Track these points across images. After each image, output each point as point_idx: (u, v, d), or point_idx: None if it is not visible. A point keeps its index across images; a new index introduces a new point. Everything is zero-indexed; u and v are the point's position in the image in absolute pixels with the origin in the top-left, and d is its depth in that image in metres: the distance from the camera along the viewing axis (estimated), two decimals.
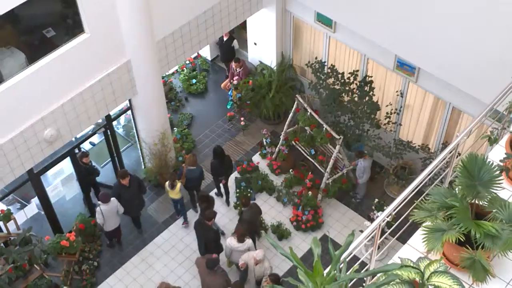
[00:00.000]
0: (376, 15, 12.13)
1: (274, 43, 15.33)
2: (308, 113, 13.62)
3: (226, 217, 14.01)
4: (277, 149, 14.86)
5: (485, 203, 6.07)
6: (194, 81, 16.87)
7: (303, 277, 4.31)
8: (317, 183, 14.15)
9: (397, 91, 13.41)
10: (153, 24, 12.14)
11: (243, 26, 15.99)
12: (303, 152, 14.38)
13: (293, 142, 14.47)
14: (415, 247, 6.54)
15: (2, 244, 12.19)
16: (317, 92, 14.22)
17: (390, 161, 14.05)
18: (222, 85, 16.74)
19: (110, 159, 14.41)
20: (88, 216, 13.81)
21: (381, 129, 13.91)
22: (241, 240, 11.96)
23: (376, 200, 13.67)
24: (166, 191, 13.65)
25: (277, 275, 11.54)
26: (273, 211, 14.26)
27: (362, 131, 13.73)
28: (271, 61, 15.75)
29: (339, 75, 13.74)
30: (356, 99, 13.57)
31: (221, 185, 14.24)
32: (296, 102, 14.00)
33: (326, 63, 14.33)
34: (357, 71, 13.69)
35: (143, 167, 14.91)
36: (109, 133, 13.81)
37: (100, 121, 13.31)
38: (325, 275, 4.22)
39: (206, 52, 17.51)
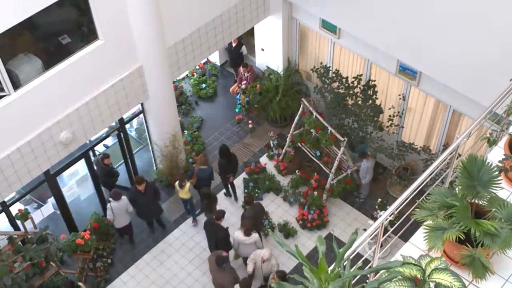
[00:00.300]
0: (379, 21, 12.11)
1: (281, 49, 15.33)
2: (314, 116, 13.61)
3: (234, 216, 13.99)
4: (283, 150, 14.85)
5: (485, 202, 6.05)
6: (203, 85, 16.88)
7: (308, 274, 4.31)
8: (322, 183, 14.13)
9: (399, 95, 13.38)
10: (164, 31, 12.16)
11: (251, 33, 16.00)
12: (308, 154, 14.37)
13: (299, 144, 14.46)
14: (416, 245, 6.52)
15: (20, 242, 12.24)
16: (322, 96, 14.21)
17: (393, 162, 14.02)
18: (231, 89, 16.75)
19: (123, 160, 14.44)
20: (102, 215, 13.85)
21: (384, 131, 13.88)
22: (247, 234, 12.00)
23: (379, 199, 13.64)
24: (176, 191, 13.67)
25: (284, 272, 11.54)
26: (279, 210, 14.26)
27: (366, 133, 13.72)
28: (278, 66, 15.75)
29: (343, 80, 13.73)
30: (359, 102, 13.55)
31: (229, 184, 14.27)
32: (302, 106, 14.00)
33: (330, 68, 14.31)
34: (361, 75, 13.67)
35: (154, 168, 14.93)
36: (122, 135, 13.84)
37: (113, 124, 13.34)
38: (329, 272, 4.22)
39: (215, 58, 17.53)
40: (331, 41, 14.10)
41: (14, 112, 10.53)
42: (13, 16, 9.60)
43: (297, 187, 14.48)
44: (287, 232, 13.73)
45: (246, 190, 14.38)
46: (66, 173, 13.60)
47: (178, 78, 16.57)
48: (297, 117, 14.23)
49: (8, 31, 9.68)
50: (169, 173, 14.40)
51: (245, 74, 15.83)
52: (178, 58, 13.06)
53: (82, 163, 13.57)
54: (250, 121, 15.87)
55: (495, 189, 5.99)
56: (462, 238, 5.75)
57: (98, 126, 12.35)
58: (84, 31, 11.20)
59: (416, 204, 6.36)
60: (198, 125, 16.05)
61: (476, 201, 6.06)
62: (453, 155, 6.91)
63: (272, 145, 15.25)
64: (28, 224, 12.56)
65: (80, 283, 11.93)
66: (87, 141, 12.78)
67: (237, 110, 16.22)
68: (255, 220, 12.64)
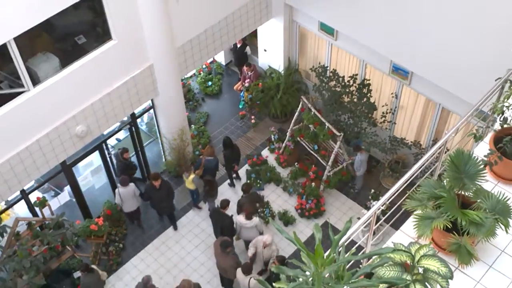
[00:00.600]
0: (374, 25, 12.08)
1: (282, 50, 15.30)
2: (312, 113, 13.59)
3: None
4: (284, 144, 14.84)
5: (471, 194, 6.04)
6: (210, 83, 16.86)
7: (305, 259, 4.31)
8: (319, 175, 14.13)
9: (392, 93, 13.35)
10: (174, 32, 12.14)
11: (254, 34, 15.95)
12: (307, 147, 14.36)
13: (298, 138, 14.44)
14: (406, 233, 6.52)
15: (38, 228, 12.27)
16: (320, 94, 14.19)
17: (385, 155, 14.01)
18: (235, 87, 16.73)
19: (134, 152, 14.45)
20: (114, 203, 13.87)
21: (378, 127, 13.86)
22: (249, 218, 12.06)
23: (372, 190, 13.63)
24: (184, 181, 13.68)
25: (283, 257, 11.55)
26: (280, 200, 14.26)
27: (360, 128, 13.71)
28: (279, 65, 15.72)
29: (340, 79, 13.70)
30: (355, 100, 13.54)
31: (233, 175, 14.27)
32: (301, 103, 13.97)
33: (328, 68, 14.28)
34: (356, 75, 13.64)
35: (163, 159, 14.93)
36: (133, 129, 13.83)
37: (125, 118, 13.34)
38: (325, 257, 4.21)
39: (221, 57, 17.50)
40: (329, 43, 14.06)
41: (33, 106, 10.54)
42: (33, 17, 9.61)
43: (296, 178, 14.48)
44: (287, 220, 13.73)
45: (248, 181, 14.38)
46: (81, 164, 13.61)
47: (186, 76, 16.55)
48: (296, 113, 14.21)
49: (28, 31, 9.68)
50: (177, 164, 14.41)
51: (249, 73, 15.81)
52: (186, 57, 13.04)
53: (96, 155, 13.58)
54: (252, 117, 15.85)
55: (481, 182, 5.98)
56: (449, 227, 5.75)
57: (111, 120, 12.35)
58: (98, 32, 11.18)
59: (407, 195, 6.36)
60: (204, 120, 16.04)
61: (463, 193, 6.05)
62: (441, 149, 6.90)
63: (273, 139, 15.24)
64: (46, 211, 12.59)
65: (93, 266, 11.96)
66: (101, 134, 12.77)
67: (240, 106, 16.20)
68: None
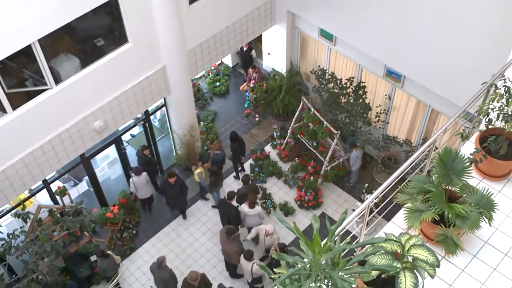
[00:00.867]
0: (369, 32, 12.05)
1: (285, 53, 15.27)
2: (312, 112, 13.58)
3: None
4: (285, 141, 14.83)
5: (457, 189, 6.03)
6: (217, 83, 16.85)
7: (304, 247, 4.30)
8: (318, 169, 14.12)
9: (385, 95, 13.32)
10: (185, 36, 12.13)
11: (259, 39, 15.93)
12: (306, 144, 14.35)
13: (298, 135, 14.43)
14: (397, 224, 6.52)
15: (58, 215, 12.31)
16: (319, 95, 14.17)
17: (379, 152, 13.98)
18: (241, 87, 16.71)
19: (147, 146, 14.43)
20: (129, 193, 13.89)
21: (372, 126, 13.84)
22: (252, 206, 12.11)
23: (366, 184, 13.62)
24: (193, 173, 13.69)
25: (284, 244, 11.56)
26: (280, 192, 14.26)
27: (356, 127, 13.69)
28: (282, 68, 15.69)
29: (338, 81, 13.69)
30: (351, 101, 13.52)
31: (239, 168, 14.33)
32: (301, 103, 13.96)
33: (327, 71, 14.26)
34: (353, 77, 13.61)
35: (174, 154, 14.94)
36: (147, 125, 13.84)
37: (139, 115, 13.35)
38: (322, 245, 4.21)
39: (228, 60, 17.47)
40: (328, 48, 14.03)
41: (55, 103, 10.55)
42: (56, 21, 9.61)
43: (296, 172, 14.47)
44: (287, 210, 13.74)
45: (252, 174, 14.39)
46: (98, 156, 13.63)
47: (196, 77, 16.53)
48: (297, 113, 14.19)
49: (51, 34, 9.69)
50: (187, 158, 14.41)
51: (254, 74, 15.79)
52: (196, 59, 13.03)
53: (112, 148, 13.59)
54: (257, 115, 15.84)
55: (466, 178, 5.96)
56: (437, 219, 5.75)
57: (127, 117, 12.36)
58: (116, 35, 11.18)
59: (398, 189, 6.34)
60: (212, 118, 16.04)
61: (450, 188, 6.03)
62: (431, 147, 6.88)
63: (275, 136, 15.23)
64: (66, 199, 12.63)
65: (109, 251, 11.99)
66: (117, 129, 12.79)
67: (246, 106, 16.18)
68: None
